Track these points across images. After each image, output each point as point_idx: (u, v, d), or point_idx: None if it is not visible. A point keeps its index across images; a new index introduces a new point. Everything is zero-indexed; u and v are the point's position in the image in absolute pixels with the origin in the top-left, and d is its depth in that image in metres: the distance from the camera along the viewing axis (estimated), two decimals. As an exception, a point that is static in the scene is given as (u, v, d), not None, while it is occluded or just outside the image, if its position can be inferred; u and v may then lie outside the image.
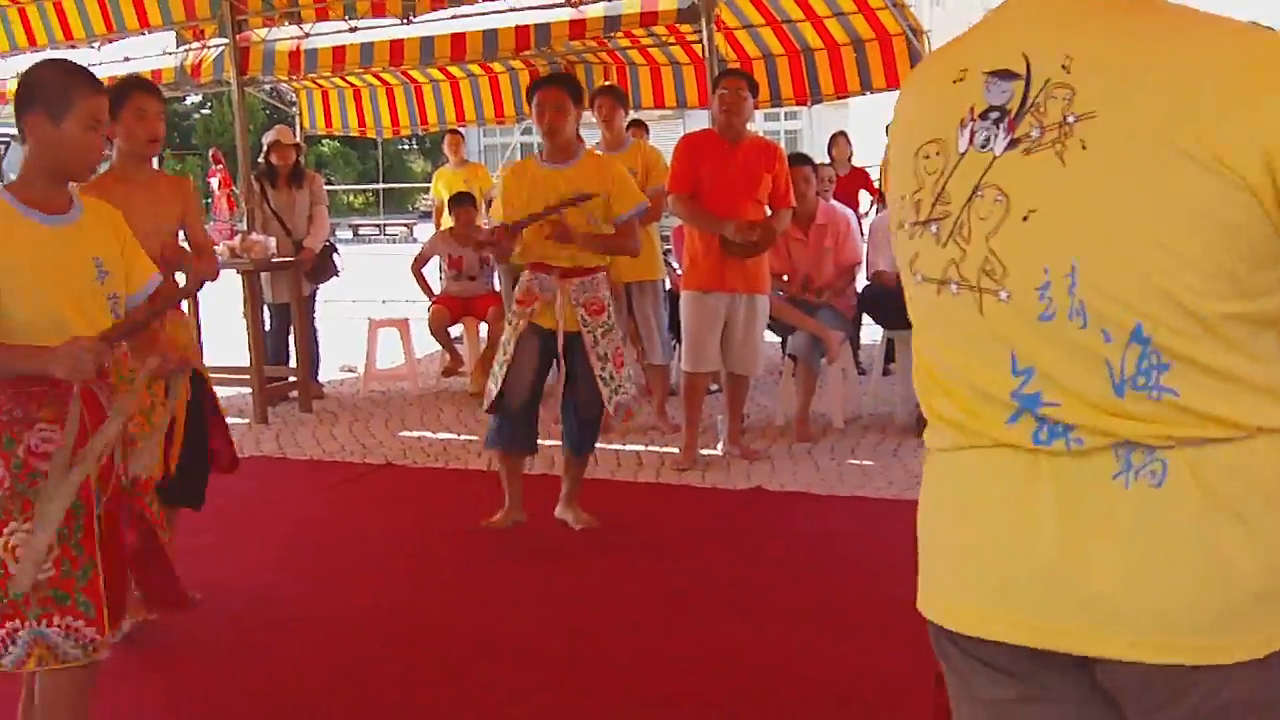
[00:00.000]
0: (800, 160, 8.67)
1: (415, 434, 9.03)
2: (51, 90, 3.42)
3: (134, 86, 5.30)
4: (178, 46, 12.95)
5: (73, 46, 12.59)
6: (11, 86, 14.34)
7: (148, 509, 3.70)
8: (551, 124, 6.10)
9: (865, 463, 7.66)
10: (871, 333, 10.30)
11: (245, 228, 10.41)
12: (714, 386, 8.63)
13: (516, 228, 5.94)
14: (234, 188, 11.71)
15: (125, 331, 3.51)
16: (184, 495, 5.26)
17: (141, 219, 5.11)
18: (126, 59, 13.33)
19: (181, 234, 5.59)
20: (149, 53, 13.43)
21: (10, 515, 3.31)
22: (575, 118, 6.23)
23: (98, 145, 3.51)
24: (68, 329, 3.34)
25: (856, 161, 12.93)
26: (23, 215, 3.39)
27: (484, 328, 10.68)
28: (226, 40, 11.67)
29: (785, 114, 36.62)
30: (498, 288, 10.88)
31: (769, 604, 5.35)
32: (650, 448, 8.15)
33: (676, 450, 7.94)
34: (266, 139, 10.53)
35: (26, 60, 13.37)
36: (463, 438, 8.81)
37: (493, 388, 6.12)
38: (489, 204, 11.91)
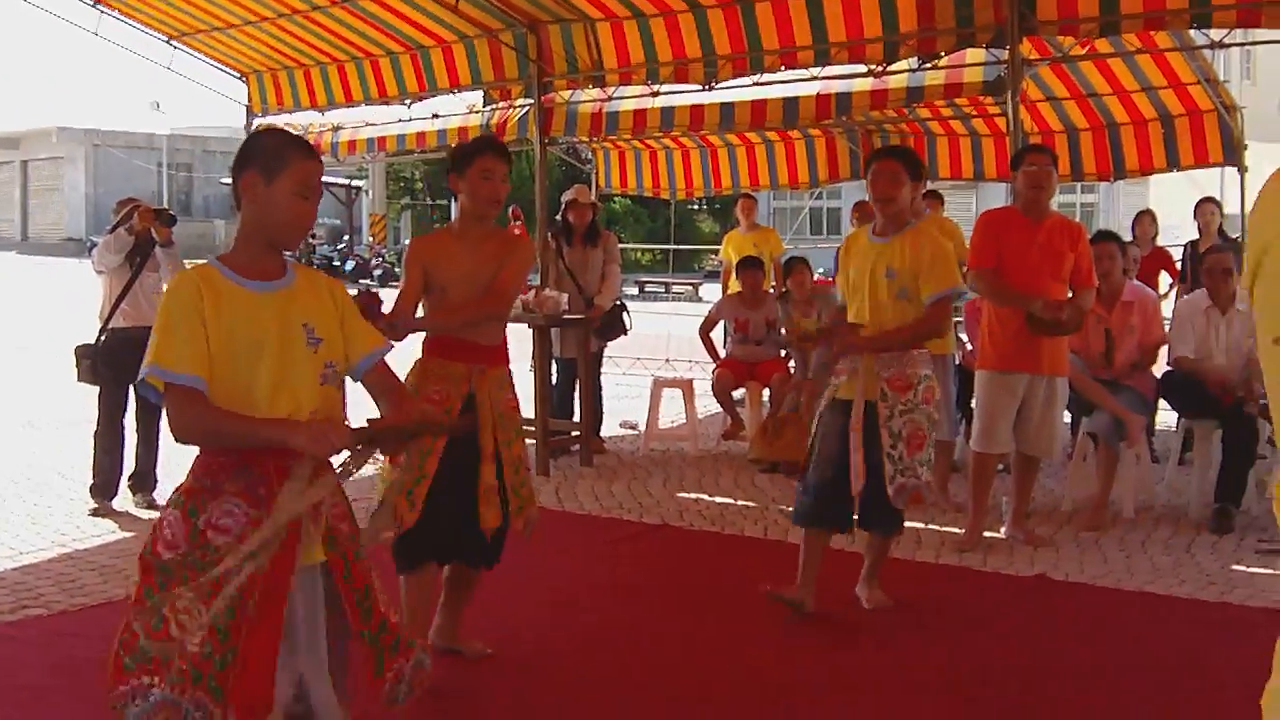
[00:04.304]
0: (1106, 237, 8.48)
1: (693, 496, 9.03)
2: (268, 152, 3.45)
3: (484, 148, 5.37)
4: (484, 105, 13.33)
5: (385, 103, 13.12)
6: (344, 138, 15.04)
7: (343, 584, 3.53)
8: (884, 193, 6.08)
9: (1156, 557, 7.33)
10: (1168, 418, 9.91)
11: (539, 283, 10.62)
12: (999, 466, 8.40)
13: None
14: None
15: (379, 438, 3.54)
16: (485, 557, 5.39)
17: (457, 272, 5.27)
18: (435, 115, 13.81)
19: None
20: (456, 111, 13.87)
21: (179, 580, 3.30)
22: (909, 192, 6.17)
23: (307, 213, 3.49)
24: (278, 395, 3.39)
25: (1159, 241, 12.47)
26: (232, 282, 3.40)
27: (767, 393, 10.66)
28: (531, 101, 11.98)
29: (1082, 187, 35.85)
30: (783, 353, 10.87)
31: (1049, 703, 5.16)
32: (930, 526, 7.96)
33: (956, 530, 7.76)
34: (565, 197, 10.75)
35: (343, 115, 14.02)
36: (740, 503, 8.78)
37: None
38: (778, 268, 11.96)
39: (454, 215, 5.52)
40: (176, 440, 3.38)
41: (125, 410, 8.49)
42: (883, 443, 5.94)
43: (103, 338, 8.32)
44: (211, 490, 3.37)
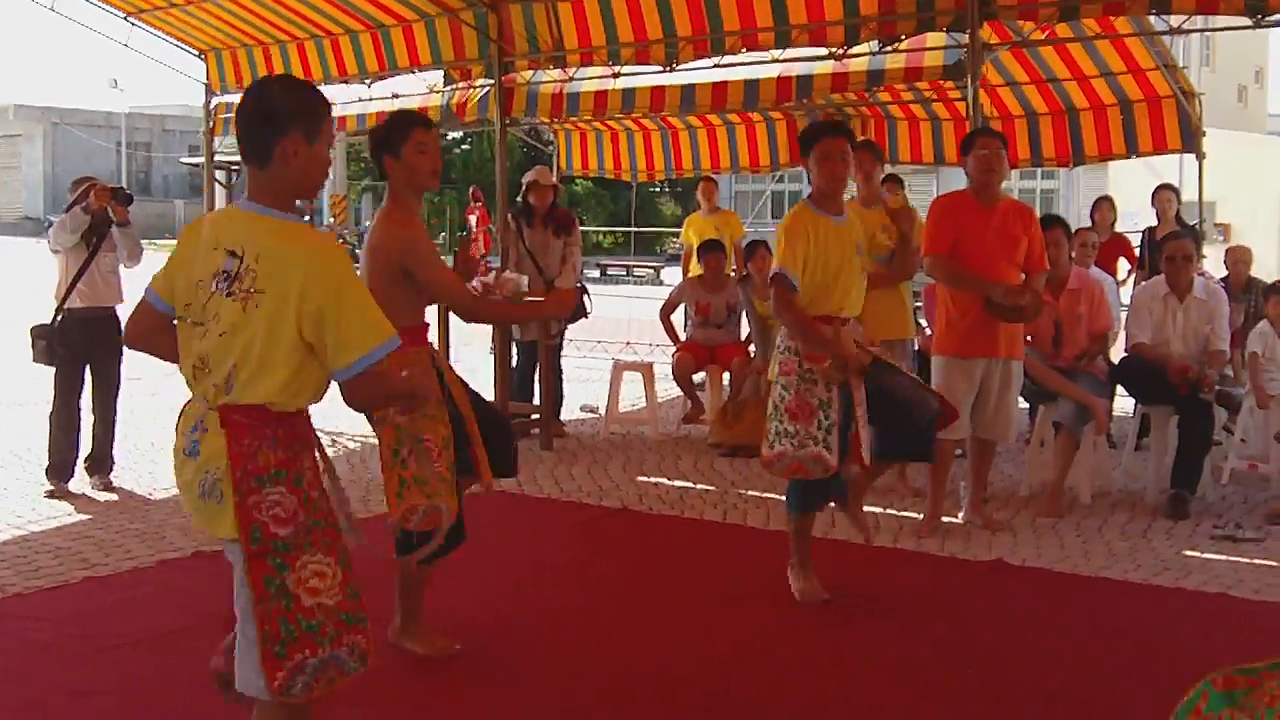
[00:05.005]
0: (1053, 222, 8.46)
1: (653, 480, 9.03)
2: (308, 112, 3.44)
3: (413, 123, 5.30)
4: (445, 85, 13.28)
5: (345, 82, 13.05)
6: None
7: None
8: (841, 174, 6.07)
9: (1113, 542, 7.37)
10: (1124, 405, 9.97)
11: (499, 265, 10.59)
12: (957, 451, 8.43)
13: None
14: (491, 225, 11.88)
15: None
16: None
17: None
18: (395, 95, 13.74)
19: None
20: (416, 90, 13.81)
21: (302, 549, 3.36)
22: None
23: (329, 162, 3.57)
24: None
25: (1117, 227, 12.51)
26: None
27: (727, 376, 10.66)
28: (492, 81, 11.94)
29: (1042, 173, 36.04)
30: (744, 336, 10.89)
31: (1007, 688, 5.18)
32: (888, 510, 7.99)
33: (914, 514, 7.78)
34: (526, 179, 10.70)
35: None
36: (700, 487, 8.78)
37: (826, 453, 5.90)
38: (739, 251, 11.96)
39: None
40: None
41: (81, 391, 8.42)
42: (907, 374, 6.26)
43: (59, 318, 8.24)
44: (302, 454, 3.44)
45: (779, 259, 6.06)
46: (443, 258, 5.48)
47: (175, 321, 3.55)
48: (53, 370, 8.34)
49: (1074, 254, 8.68)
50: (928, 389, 6.37)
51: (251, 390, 3.36)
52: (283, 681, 3.34)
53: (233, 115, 13.10)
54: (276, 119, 3.41)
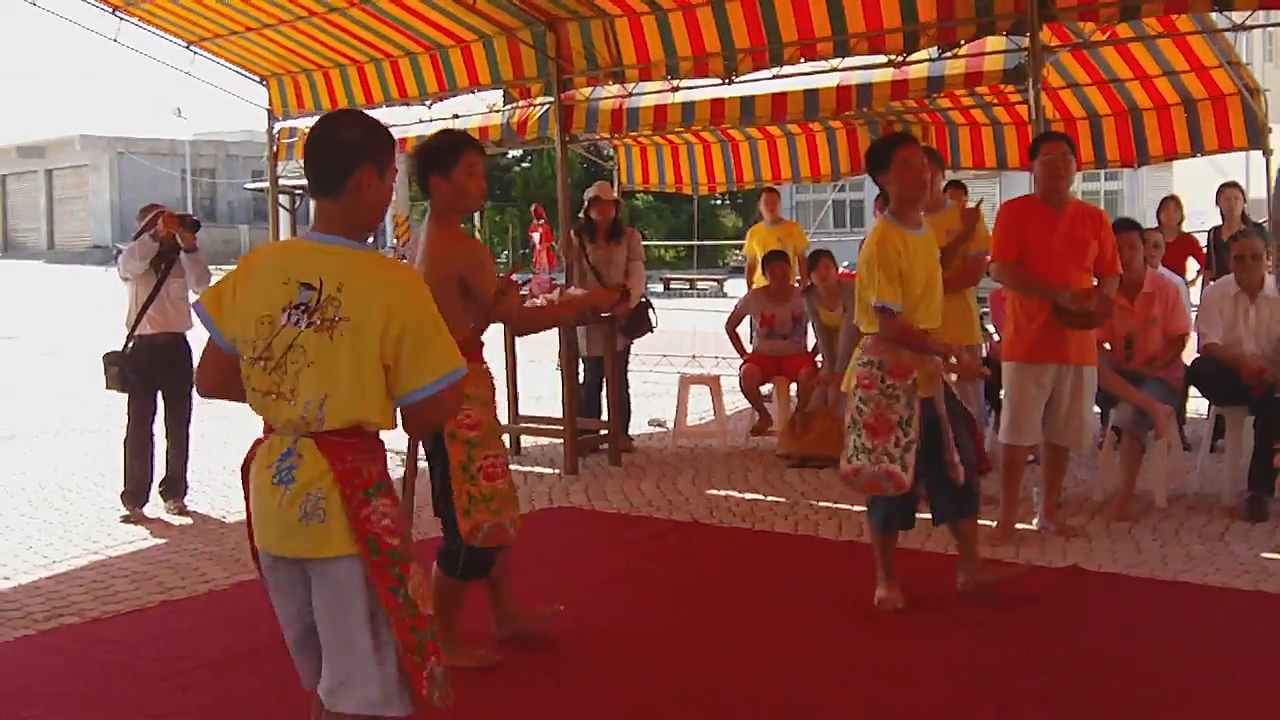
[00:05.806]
0: (1126, 226, 8.38)
1: (723, 492, 9.01)
2: (384, 149, 3.57)
3: (465, 146, 5.36)
4: (505, 104, 13.33)
5: (406, 104, 13.12)
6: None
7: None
8: (924, 179, 6.11)
9: (1190, 546, 7.28)
10: (1198, 406, 9.84)
11: (564, 281, 10.62)
12: (1029, 456, 8.35)
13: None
14: (554, 241, 11.90)
15: None
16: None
17: None
18: (455, 116, 13.78)
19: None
20: (476, 110, 13.85)
21: (409, 558, 3.45)
22: None
23: None
24: None
25: (1185, 227, 12.35)
26: None
27: (794, 387, 10.63)
28: (552, 99, 11.97)
29: (1105, 174, 35.70)
30: (810, 347, 10.85)
31: (1081, 693, 5.12)
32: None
33: (988, 522, 7.69)
34: (587, 195, 10.73)
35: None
36: (770, 499, 8.75)
37: (900, 471, 5.88)
38: (802, 262, 11.93)
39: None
40: None
41: (154, 416, 8.52)
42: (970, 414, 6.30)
43: (130, 345, 8.35)
44: (387, 467, 3.56)
45: (877, 293, 5.91)
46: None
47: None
48: (125, 397, 8.45)
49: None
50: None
51: (347, 414, 3.39)
52: (428, 690, 3.44)
53: (296, 140, 13.16)
54: (350, 151, 3.49)
